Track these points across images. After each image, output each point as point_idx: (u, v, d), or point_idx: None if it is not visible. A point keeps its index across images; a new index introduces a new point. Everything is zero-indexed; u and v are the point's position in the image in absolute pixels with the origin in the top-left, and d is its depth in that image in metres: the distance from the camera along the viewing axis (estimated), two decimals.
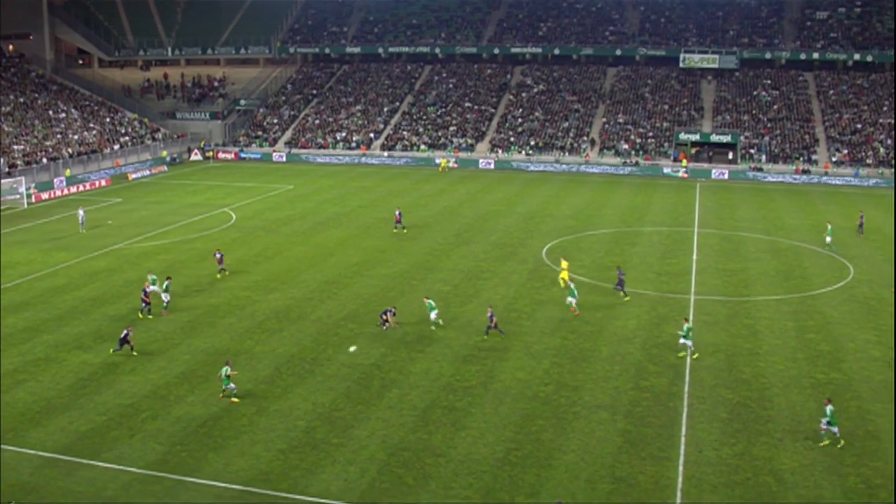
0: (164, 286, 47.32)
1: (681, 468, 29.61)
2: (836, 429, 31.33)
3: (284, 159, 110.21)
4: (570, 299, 45.96)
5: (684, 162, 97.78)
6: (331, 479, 28.89)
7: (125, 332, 40.49)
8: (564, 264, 51.39)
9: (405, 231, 65.76)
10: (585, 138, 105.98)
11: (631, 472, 29.30)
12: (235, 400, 34.86)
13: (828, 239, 60.90)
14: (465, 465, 29.79)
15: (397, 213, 67.76)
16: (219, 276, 53.15)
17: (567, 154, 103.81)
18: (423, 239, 63.59)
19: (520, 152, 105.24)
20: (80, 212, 69.43)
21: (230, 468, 29.69)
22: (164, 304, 46.81)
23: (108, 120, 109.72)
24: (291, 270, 54.87)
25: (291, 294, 49.78)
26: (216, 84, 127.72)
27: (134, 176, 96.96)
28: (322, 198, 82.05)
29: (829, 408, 31.52)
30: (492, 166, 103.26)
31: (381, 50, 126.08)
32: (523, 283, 52.03)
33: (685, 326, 39.94)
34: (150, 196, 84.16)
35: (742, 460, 30.15)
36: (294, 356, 40.11)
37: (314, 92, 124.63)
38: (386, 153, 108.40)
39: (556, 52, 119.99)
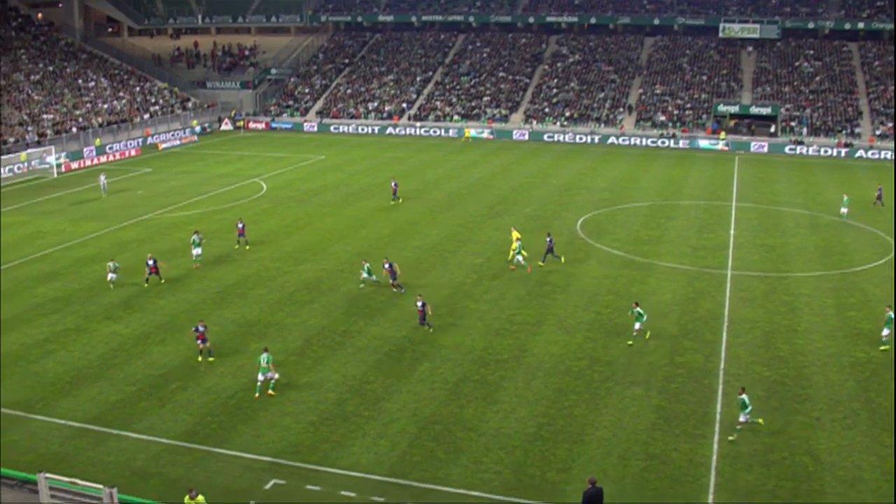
0: (193, 240, 49.73)
1: (715, 446, 29.53)
2: (743, 417, 30.12)
3: (316, 129, 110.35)
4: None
5: (723, 134, 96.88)
6: (361, 452, 29.09)
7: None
8: (515, 234, 51.20)
9: (400, 202, 65.71)
10: (621, 109, 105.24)
11: (664, 450, 29.26)
12: (272, 393, 33.29)
13: (843, 210, 61.21)
14: (496, 440, 29.88)
15: (393, 184, 67.36)
16: (236, 246, 53.41)
17: (603, 125, 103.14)
18: (456, 211, 63.54)
19: (554, 123, 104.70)
20: (102, 178, 71.63)
21: (260, 440, 29.97)
22: (194, 258, 49.59)
23: (137, 89, 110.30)
24: (322, 241, 55.07)
25: (322, 265, 49.97)
26: (247, 53, 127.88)
27: (164, 146, 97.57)
28: (353, 168, 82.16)
29: (742, 397, 30.34)
30: (526, 137, 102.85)
31: (414, 18, 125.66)
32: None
33: (636, 310, 38.37)
34: (180, 166, 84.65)
35: (778, 439, 29.99)
36: (325, 328, 40.33)
37: (346, 61, 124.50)
38: (419, 123, 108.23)
39: (593, 21, 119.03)
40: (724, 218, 61.88)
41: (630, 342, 38.13)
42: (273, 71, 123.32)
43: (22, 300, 44.48)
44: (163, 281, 46.62)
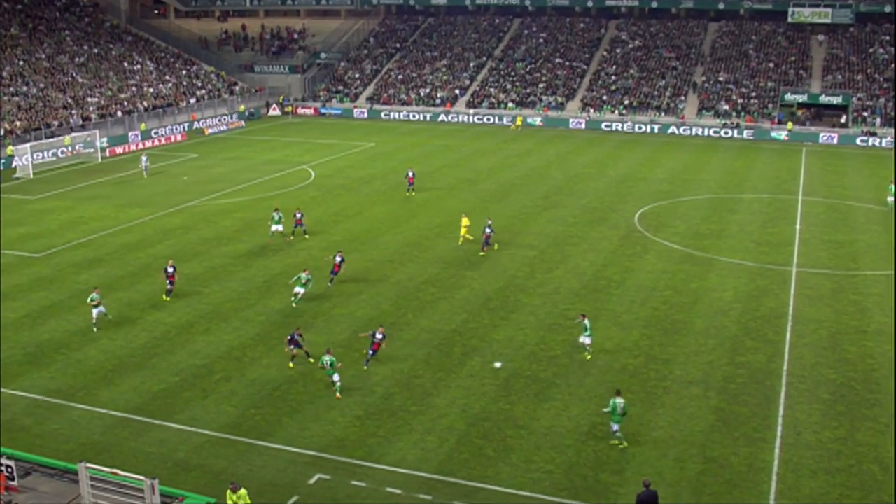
0: (273, 217, 52.22)
1: (777, 451, 29.20)
2: (615, 426, 29.28)
3: (366, 115, 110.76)
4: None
5: (789, 125, 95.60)
6: (408, 448, 29.18)
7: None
8: (465, 221, 51.59)
9: (415, 194, 65.38)
10: (683, 98, 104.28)
11: (723, 453, 28.99)
12: (339, 396, 32.80)
13: (890, 199, 61.19)
14: (547, 439, 29.82)
15: (410, 173, 66.65)
16: (292, 236, 53.66)
17: (663, 114, 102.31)
18: (509, 201, 63.42)
19: (612, 112, 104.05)
20: (143, 159, 73.78)
21: (305, 433, 30.18)
22: (279, 233, 52.48)
23: (184, 73, 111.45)
24: (371, 231, 55.28)
25: (371, 255, 50.17)
26: (296, 36, 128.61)
27: (210, 131, 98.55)
28: (404, 156, 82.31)
29: (616, 400, 29.39)
30: (582, 126, 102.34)
31: (468, 2, 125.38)
32: (613, 249, 51.61)
33: (584, 322, 36.40)
34: (227, 152, 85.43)
35: (844, 445, 29.55)
36: (373, 320, 40.45)
37: (397, 45, 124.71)
38: (472, 111, 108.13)
39: (654, 5, 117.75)
40: (789, 212, 61.09)
41: (588, 356, 36.51)
42: (322, 55, 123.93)
43: (64, 287, 45.21)
44: (165, 299, 43.34)
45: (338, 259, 44.63)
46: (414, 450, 29.09)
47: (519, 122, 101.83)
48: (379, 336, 35.60)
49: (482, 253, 50.20)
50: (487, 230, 50.68)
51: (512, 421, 31.05)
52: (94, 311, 39.28)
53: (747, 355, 36.79)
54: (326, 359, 33.10)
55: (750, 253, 51.16)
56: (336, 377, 32.92)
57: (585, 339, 36.42)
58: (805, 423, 31.03)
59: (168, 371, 35.24)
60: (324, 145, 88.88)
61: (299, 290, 42.21)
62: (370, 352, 35.61)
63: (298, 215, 54.03)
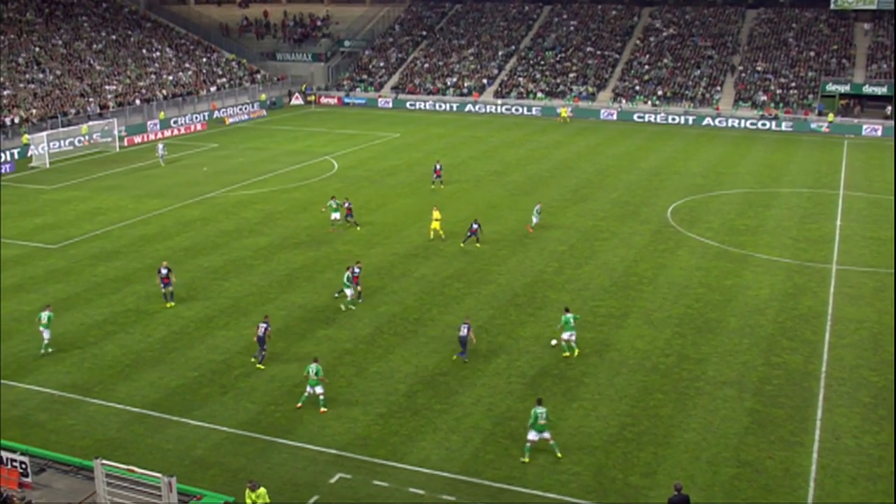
0: (331, 205, 53.72)
1: (815, 455, 29.00)
2: (533, 435, 28.53)
3: (391, 105, 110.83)
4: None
5: (830, 116, 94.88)
6: (431, 448, 29.21)
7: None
8: (436, 214, 51.64)
9: (442, 188, 65.42)
10: (719, 88, 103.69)
11: (758, 457, 28.83)
12: (324, 410, 31.71)
13: None
14: (575, 439, 29.76)
15: (437, 166, 66.75)
16: (345, 226, 54.60)
17: (698, 105, 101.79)
18: (538, 194, 63.27)
19: (645, 102, 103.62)
20: (160, 147, 74.87)
21: (326, 431, 30.26)
22: (332, 221, 53.79)
23: (204, 60, 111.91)
24: (395, 224, 55.34)
25: (395, 249, 50.23)
26: (319, 23, 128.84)
27: (231, 120, 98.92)
28: (430, 147, 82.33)
29: (536, 410, 28.68)
30: (614, 117, 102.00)
31: None
32: (645, 244, 51.43)
33: (568, 316, 36.31)
34: (248, 142, 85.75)
35: (886, 451, 29.29)
36: (396, 315, 40.53)
37: (424, 33, 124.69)
38: (500, 101, 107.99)
39: None
40: (829, 207, 60.65)
41: (566, 353, 36.44)
42: (346, 43, 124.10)
43: (81, 279, 45.54)
44: (170, 305, 42.06)
45: (356, 270, 42.13)
46: (438, 449, 29.11)
47: (564, 114, 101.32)
48: (464, 331, 35.60)
49: (462, 245, 50.97)
50: (475, 226, 51.14)
51: None
52: (45, 333, 36.54)
53: (784, 356, 36.57)
54: (312, 367, 32.11)
55: (787, 249, 50.85)
56: (320, 389, 31.88)
57: (567, 336, 36.26)
58: (844, 427, 30.80)
59: (186, 366, 35.43)
60: (347, 136, 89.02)
61: (348, 291, 41.46)
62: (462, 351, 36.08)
63: (347, 205, 54.86)
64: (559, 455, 28.65)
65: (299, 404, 32.15)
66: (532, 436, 28.60)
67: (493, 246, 50.93)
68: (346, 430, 30.38)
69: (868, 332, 39.03)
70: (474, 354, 36.41)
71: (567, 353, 36.35)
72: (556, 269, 47.10)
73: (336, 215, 53.79)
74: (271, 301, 42.27)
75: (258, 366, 35.36)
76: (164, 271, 41.99)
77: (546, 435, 28.66)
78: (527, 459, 28.52)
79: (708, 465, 28.27)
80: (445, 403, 32.19)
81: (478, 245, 50.84)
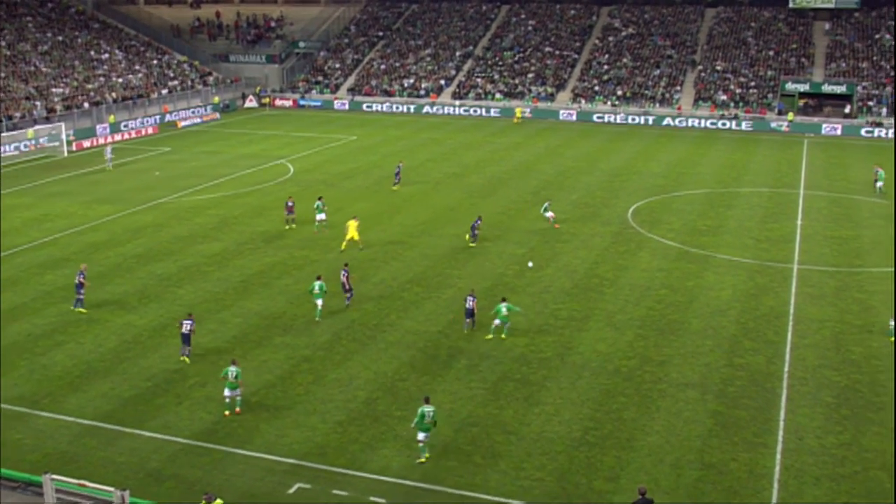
0: (317, 206, 54.71)
1: (778, 457, 29.25)
2: (422, 436, 28.85)
3: (347, 107, 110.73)
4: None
5: (790, 115, 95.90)
6: (392, 456, 29.14)
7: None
8: (353, 223, 50.97)
9: (399, 188, 66.21)
10: (678, 88, 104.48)
11: (722, 459, 29.04)
12: (238, 410, 31.91)
13: (878, 185, 64.80)
14: (538, 445, 29.82)
15: (398, 167, 68.35)
16: (287, 227, 55.19)
17: (658, 105, 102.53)
18: (497, 196, 63.46)
19: (605, 103, 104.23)
20: (108, 150, 74.56)
21: (283, 440, 30.11)
22: (317, 223, 54.50)
23: (155, 62, 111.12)
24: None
25: (352, 253, 50.07)
26: (273, 24, 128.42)
27: (183, 123, 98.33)
28: (387, 150, 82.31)
29: (424, 409, 28.81)
30: (573, 118, 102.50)
31: None
32: (606, 246, 51.71)
33: (501, 306, 38.47)
34: (201, 146, 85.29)
35: (849, 451, 29.61)
36: (354, 321, 40.43)
37: (380, 34, 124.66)
38: (458, 102, 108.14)
39: None
40: (790, 207, 61.30)
41: (490, 336, 38.37)
42: (301, 44, 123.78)
43: (28, 288, 44.98)
44: (83, 311, 41.59)
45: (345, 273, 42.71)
46: (398, 457, 29.06)
47: (519, 114, 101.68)
48: (470, 303, 38.79)
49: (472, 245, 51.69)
50: (477, 221, 52.66)
51: (501, 426, 31.04)
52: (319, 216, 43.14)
53: (746, 357, 36.88)
54: (232, 369, 31.88)
55: (749, 250, 51.32)
56: (238, 392, 31.78)
57: (498, 322, 38.27)
58: (807, 427, 31.11)
59: (139, 376, 35.08)
60: (303, 139, 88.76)
61: (319, 301, 40.89)
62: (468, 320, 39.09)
63: (290, 203, 56.30)
64: (424, 459, 28.70)
65: (227, 412, 31.93)
66: (421, 437, 28.74)
67: (453, 249, 50.98)
68: (304, 438, 30.24)
69: (830, 332, 39.45)
70: (435, 359, 36.44)
71: (498, 336, 38.43)
72: (516, 272, 47.21)
73: (321, 216, 54.42)
74: (227, 308, 42.02)
75: (183, 358, 36.06)
76: (79, 277, 41.44)
77: (422, 436, 28.75)
78: (423, 459, 28.71)
79: (672, 469, 28.42)
80: (406, 410, 32.11)
81: (472, 244, 51.74)
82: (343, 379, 34.74)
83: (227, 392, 31.92)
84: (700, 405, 32.62)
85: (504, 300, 38.82)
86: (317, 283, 40.41)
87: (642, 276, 46.73)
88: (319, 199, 55.60)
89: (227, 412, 31.94)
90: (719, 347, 37.77)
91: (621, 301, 43.12)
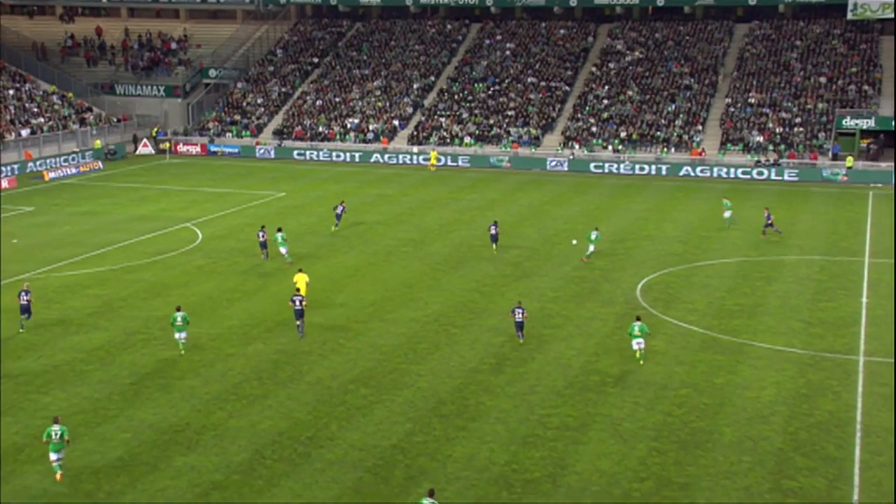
0: (278, 238, 64.15)
1: None
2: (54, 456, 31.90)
3: (272, 155, 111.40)
4: None
5: (849, 161, 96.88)
6: None
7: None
8: (302, 277, 55.42)
9: (337, 231, 71.05)
10: (700, 127, 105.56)
11: None
12: (59, 475, 35.02)
13: (726, 214, 76.45)
14: None
15: (340, 208, 74.53)
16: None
17: (673, 150, 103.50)
18: (468, 268, 63.57)
19: (605, 148, 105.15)
20: None
21: None
22: (285, 256, 63.93)
23: (11, 92, 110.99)
24: (279, 312, 54.93)
25: (279, 345, 49.88)
26: (174, 46, 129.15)
27: (52, 175, 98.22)
28: (325, 210, 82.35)
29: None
30: (565, 168, 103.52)
31: (409, 1, 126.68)
32: (609, 333, 51.78)
33: (637, 325, 44.78)
34: (77, 204, 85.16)
35: None
36: (282, 434, 40.07)
37: (315, 60, 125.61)
38: (416, 148, 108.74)
39: (660, 2, 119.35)
40: (851, 280, 61.72)
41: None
42: (212, 72, 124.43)
43: None
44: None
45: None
46: None
47: (434, 159, 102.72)
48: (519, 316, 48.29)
49: None
50: (493, 229, 60.89)
51: None
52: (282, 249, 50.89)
53: (800, 479, 36.72)
54: (55, 428, 33.61)
55: (797, 336, 51.49)
56: (62, 454, 34.22)
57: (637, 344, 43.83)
58: None
59: None
60: (215, 195, 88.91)
61: (180, 335, 47.30)
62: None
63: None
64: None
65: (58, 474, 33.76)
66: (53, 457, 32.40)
67: (411, 339, 50.87)
68: None
69: None
70: (387, 482, 36.14)
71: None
72: (492, 366, 47.09)
73: (284, 249, 62.82)
74: (110, 420, 41.48)
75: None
76: (24, 297, 47.22)
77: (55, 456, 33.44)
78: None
79: None
80: None
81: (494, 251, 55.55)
82: None
83: (52, 456, 33.60)
84: None
85: (638, 318, 46.26)
86: (178, 315, 43.40)
87: (657, 371, 46.73)
88: (279, 230, 64.50)
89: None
90: (762, 466, 37.65)
91: (630, 404, 43.04)
